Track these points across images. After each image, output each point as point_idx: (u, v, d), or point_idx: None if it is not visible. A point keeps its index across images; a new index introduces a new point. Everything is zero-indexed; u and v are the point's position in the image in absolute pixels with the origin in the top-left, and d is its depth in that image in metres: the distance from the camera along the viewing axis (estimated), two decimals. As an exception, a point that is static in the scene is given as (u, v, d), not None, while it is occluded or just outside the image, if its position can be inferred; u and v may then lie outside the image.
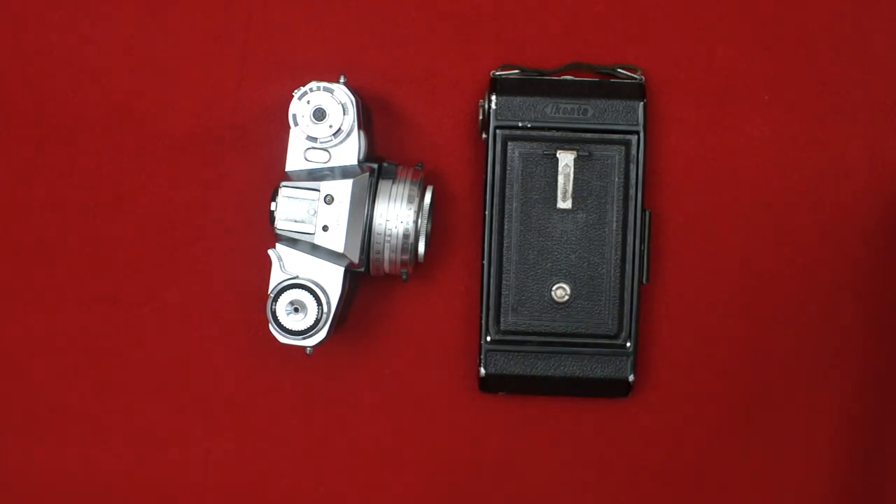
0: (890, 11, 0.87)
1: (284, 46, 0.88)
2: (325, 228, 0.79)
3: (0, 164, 0.88)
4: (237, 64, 0.88)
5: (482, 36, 0.88)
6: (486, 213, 0.84)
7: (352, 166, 0.81)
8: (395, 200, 0.82)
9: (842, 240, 0.87)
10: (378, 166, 0.82)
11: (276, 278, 0.80)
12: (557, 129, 0.84)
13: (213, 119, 0.88)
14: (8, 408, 0.89)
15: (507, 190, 0.84)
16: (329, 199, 0.79)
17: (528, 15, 0.88)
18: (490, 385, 0.86)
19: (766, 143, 0.87)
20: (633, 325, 0.85)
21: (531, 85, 0.85)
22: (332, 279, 0.80)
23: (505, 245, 0.84)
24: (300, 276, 0.80)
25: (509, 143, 0.84)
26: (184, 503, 0.90)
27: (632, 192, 0.84)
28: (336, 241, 0.80)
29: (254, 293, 0.86)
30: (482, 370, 0.85)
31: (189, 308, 0.88)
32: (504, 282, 0.85)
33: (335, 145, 0.81)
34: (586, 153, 0.84)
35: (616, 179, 0.84)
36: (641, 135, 0.84)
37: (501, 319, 0.85)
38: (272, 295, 0.79)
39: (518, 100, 0.84)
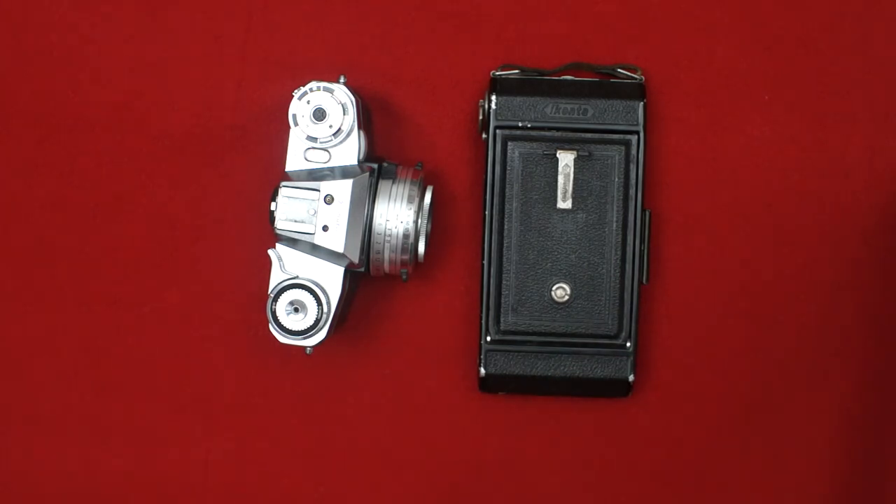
0: (890, 12, 0.87)
1: (284, 46, 0.88)
2: (325, 228, 0.79)
3: (0, 164, 0.88)
4: (237, 64, 0.88)
5: (482, 36, 0.88)
6: (486, 213, 0.84)
7: (352, 166, 0.81)
8: (395, 200, 0.82)
9: (842, 240, 0.87)
10: (378, 166, 0.82)
11: (276, 278, 0.80)
12: (557, 129, 0.84)
13: (213, 119, 0.88)
14: (8, 408, 0.89)
15: (507, 190, 0.84)
16: (329, 199, 0.79)
17: (528, 15, 0.88)
18: (490, 385, 0.86)
19: (766, 143, 0.87)
20: (633, 325, 0.85)
21: (531, 85, 0.85)
22: (332, 279, 0.80)
23: (505, 245, 0.84)
24: (300, 276, 0.80)
25: (509, 143, 0.84)
26: (184, 503, 0.90)
27: (632, 192, 0.84)
28: (336, 241, 0.80)
29: (254, 293, 0.86)
30: (482, 370, 0.85)
31: (189, 308, 0.88)
32: (504, 282, 0.85)
33: (335, 145, 0.81)
34: (586, 153, 0.84)
35: (616, 179, 0.84)
36: (641, 135, 0.84)
37: (501, 319, 0.85)
38: (272, 295, 0.79)
39: (518, 100, 0.84)
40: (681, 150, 0.88)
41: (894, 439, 0.88)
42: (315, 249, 0.80)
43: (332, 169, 0.81)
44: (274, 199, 0.80)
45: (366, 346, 0.89)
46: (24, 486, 0.90)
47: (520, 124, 0.84)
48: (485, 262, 0.85)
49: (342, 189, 0.79)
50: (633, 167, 0.84)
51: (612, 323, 0.85)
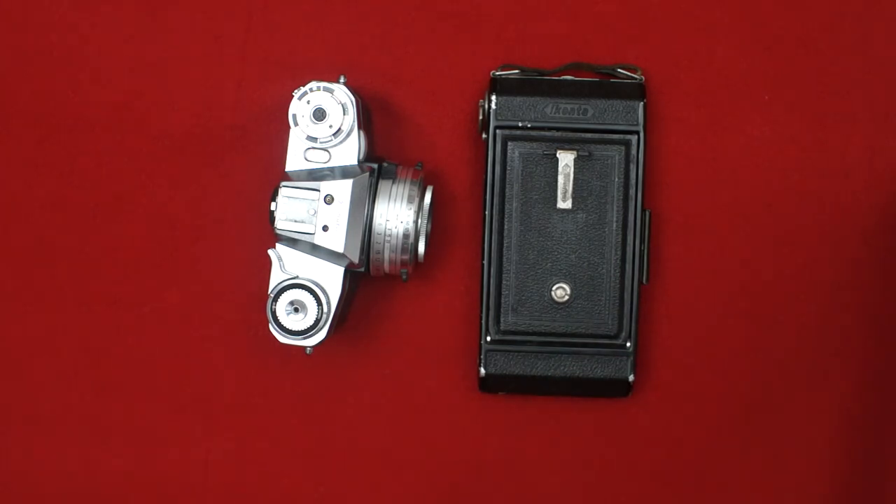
0: (890, 12, 0.87)
1: (284, 46, 0.88)
2: (325, 228, 0.79)
3: (0, 164, 0.88)
4: (237, 64, 0.88)
5: (482, 36, 0.88)
6: (486, 213, 0.84)
7: (352, 166, 0.81)
8: (395, 200, 0.82)
9: (842, 240, 0.87)
10: (378, 166, 0.82)
11: (276, 278, 0.80)
12: (557, 129, 0.84)
13: (213, 119, 0.88)
14: (8, 408, 0.89)
15: (507, 190, 0.84)
16: (329, 199, 0.79)
17: (528, 15, 0.88)
18: (490, 385, 0.86)
19: (766, 143, 0.87)
20: (633, 325, 0.85)
21: (531, 85, 0.85)
22: (332, 279, 0.80)
23: (505, 245, 0.84)
24: (300, 276, 0.80)
25: (509, 143, 0.84)
26: (184, 503, 0.90)
27: (632, 192, 0.84)
28: (336, 241, 0.80)
29: (254, 293, 0.86)
30: (482, 370, 0.85)
31: (189, 308, 0.88)
32: (504, 282, 0.85)
33: (335, 145, 0.81)
34: (586, 153, 0.84)
35: (616, 179, 0.84)
36: (641, 135, 0.84)
37: (501, 319, 0.85)
38: (272, 295, 0.79)
39: (518, 100, 0.84)
40: (681, 150, 0.88)
41: (894, 439, 0.88)
42: (315, 249, 0.80)
43: (332, 169, 0.81)
44: (274, 199, 0.80)
45: (366, 346, 0.89)
46: (24, 486, 0.90)
47: (520, 124, 0.84)
48: (485, 262, 0.85)
49: (342, 189, 0.79)
50: (633, 167, 0.84)
51: (612, 323, 0.85)
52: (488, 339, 0.85)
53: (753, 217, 0.88)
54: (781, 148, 0.87)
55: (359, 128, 0.81)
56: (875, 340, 0.88)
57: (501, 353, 0.85)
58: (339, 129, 0.80)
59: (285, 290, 0.79)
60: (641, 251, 0.85)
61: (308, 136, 0.80)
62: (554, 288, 0.85)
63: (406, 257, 0.82)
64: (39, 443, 0.89)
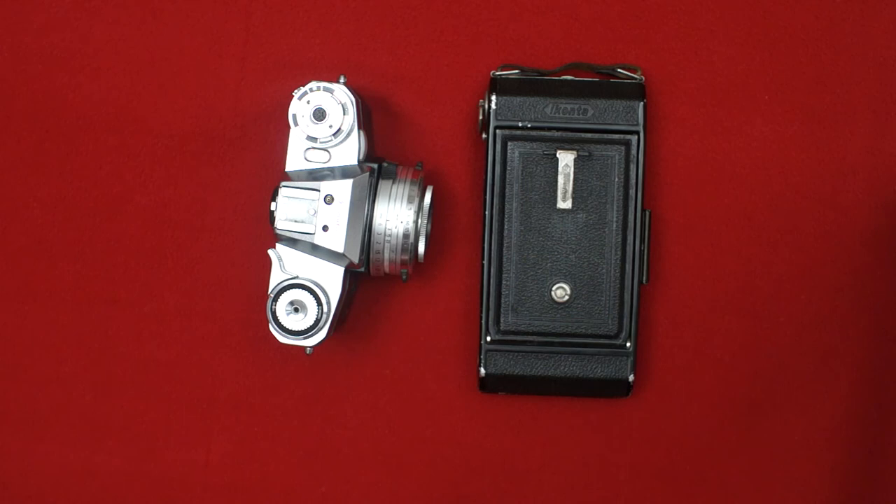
0: (890, 11, 0.87)
1: (284, 46, 0.88)
2: (325, 228, 0.79)
3: (0, 164, 0.88)
4: (237, 64, 0.88)
5: (482, 36, 0.88)
6: (486, 213, 0.84)
7: (352, 166, 0.81)
8: (395, 200, 0.82)
9: (842, 240, 0.87)
10: (378, 166, 0.82)
11: (276, 278, 0.80)
12: (557, 129, 0.84)
13: (213, 119, 0.88)
14: (8, 408, 0.89)
15: (507, 190, 0.84)
16: (329, 199, 0.79)
17: (528, 15, 0.88)
18: (490, 385, 0.86)
19: (766, 143, 0.87)
20: (633, 325, 0.85)
21: (531, 85, 0.85)
22: (332, 279, 0.80)
23: (505, 245, 0.84)
24: (300, 276, 0.80)
25: (509, 143, 0.84)
26: (184, 503, 0.90)
27: (632, 192, 0.84)
28: (336, 241, 0.80)
29: (254, 293, 0.86)
30: (482, 370, 0.85)
31: (189, 308, 0.88)
32: (504, 282, 0.85)
33: (335, 145, 0.81)
34: (586, 153, 0.84)
35: (616, 179, 0.84)
36: (641, 135, 0.84)
37: (501, 319, 0.85)
38: (272, 295, 0.79)
39: (518, 100, 0.84)
40: (681, 150, 0.88)
41: (894, 439, 0.88)
42: (315, 249, 0.80)
43: (332, 169, 0.81)
44: (274, 199, 0.80)
45: (366, 346, 0.89)
46: (24, 486, 0.90)
47: (520, 124, 0.84)
48: (485, 262, 0.85)
49: (342, 189, 0.79)
50: (633, 167, 0.84)
51: (612, 323, 0.85)
52: (488, 339, 0.85)
53: (753, 217, 0.88)
54: (781, 148, 0.87)
55: (359, 128, 0.81)
56: (875, 340, 0.88)
57: (501, 353, 0.85)
58: (339, 129, 0.80)
59: (285, 290, 0.79)
60: (641, 251, 0.85)
61: (308, 136, 0.80)
62: (554, 288, 0.85)
63: (406, 257, 0.82)
64: (39, 443, 0.89)
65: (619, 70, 0.86)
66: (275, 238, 0.80)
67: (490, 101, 0.84)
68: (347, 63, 0.87)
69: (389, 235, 0.82)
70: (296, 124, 0.80)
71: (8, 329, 0.89)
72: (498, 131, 0.84)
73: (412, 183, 0.82)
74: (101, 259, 0.88)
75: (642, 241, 0.85)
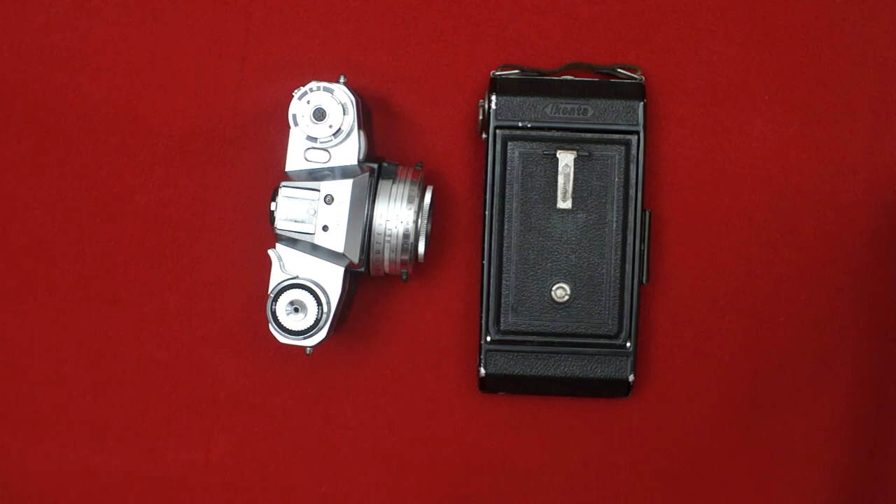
0: (890, 11, 0.87)
1: (284, 46, 0.88)
2: (325, 228, 0.79)
3: (0, 164, 0.88)
4: (237, 64, 0.88)
5: (482, 36, 0.88)
6: (486, 213, 0.84)
7: (352, 166, 0.81)
8: (395, 200, 0.82)
9: (842, 240, 0.87)
10: (378, 166, 0.82)
11: (276, 278, 0.80)
12: (557, 129, 0.84)
13: (213, 119, 0.88)
14: (8, 408, 0.89)
15: (507, 190, 0.84)
16: (329, 199, 0.79)
17: (528, 15, 0.88)
18: (490, 385, 0.86)
19: (766, 143, 0.87)
20: (633, 325, 0.85)
21: (531, 85, 0.85)
22: (332, 279, 0.80)
23: (505, 245, 0.84)
24: (300, 276, 0.80)
25: (509, 143, 0.84)
26: (184, 503, 0.90)
27: (632, 192, 0.84)
28: (336, 241, 0.80)
29: (254, 293, 0.86)
30: (482, 370, 0.85)
31: (189, 308, 0.88)
32: (504, 282, 0.85)
33: (335, 145, 0.81)
34: (586, 153, 0.84)
35: (616, 179, 0.84)
36: (641, 135, 0.84)
37: (501, 319, 0.85)
38: (272, 295, 0.79)
39: (518, 100, 0.84)
40: (681, 150, 0.88)
41: (894, 439, 0.88)
42: (315, 249, 0.80)
43: (332, 169, 0.81)
44: (274, 199, 0.80)
45: (366, 346, 0.89)
46: (24, 486, 0.90)
47: (520, 124, 0.84)
48: (485, 262, 0.85)
49: (342, 189, 0.79)
50: (633, 167, 0.84)
51: (612, 323, 0.85)
52: (488, 339, 0.85)
53: (753, 217, 0.88)
54: (781, 148, 0.87)
55: (359, 128, 0.81)
56: (875, 340, 0.88)
57: (501, 353, 0.85)
58: (339, 129, 0.80)
59: (285, 290, 0.79)
60: (641, 251, 0.85)
61: (308, 136, 0.80)
62: (554, 288, 0.85)
63: (406, 257, 0.82)
64: (39, 443, 0.89)
65: (619, 70, 0.86)
66: (275, 238, 0.80)
67: (490, 101, 0.84)
68: (347, 63, 0.87)
69: (389, 235, 0.82)
70: (296, 124, 0.80)
71: (8, 329, 0.89)
72: (498, 131, 0.84)
73: (412, 183, 0.82)
74: (101, 259, 0.88)
75: (642, 241, 0.85)
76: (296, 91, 0.80)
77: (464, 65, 0.87)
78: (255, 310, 0.86)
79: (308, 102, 0.80)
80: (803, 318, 0.88)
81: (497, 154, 0.84)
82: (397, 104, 0.88)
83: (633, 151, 0.84)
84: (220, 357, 0.89)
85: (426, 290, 0.88)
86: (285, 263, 0.80)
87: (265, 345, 0.87)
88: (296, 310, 0.79)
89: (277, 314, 0.79)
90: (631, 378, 0.85)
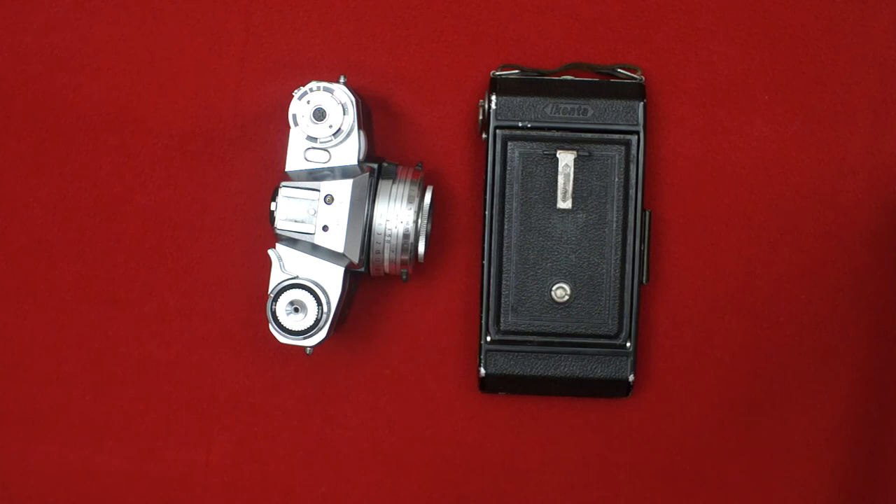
0: (890, 11, 0.87)
1: (284, 46, 0.88)
2: (325, 228, 0.79)
3: (0, 164, 0.88)
4: (237, 64, 0.88)
5: (482, 36, 0.88)
6: (486, 213, 0.84)
7: (352, 166, 0.81)
8: (395, 200, 0.82)
9: (842, 240, 0.87)
10: (378, 166, 0.82)
11: (276, 278, 0.80)
12: (557, 129, 0.84)
13: (213, 119, 0.88)
14: (8, 408, 0.89)
15: (507, 190, 0.84)
16: (329, 199, 0.79)
17: (528, 15, 0.88)
18: (490, 385, 0.86)
19: (766, 143, 0.87)
20: (633, 325, 0.85)
21: (531, 85, 0.85)
22: (332, 279, 0.80)
23: (505, 245, 0.84)
24: (300, 276, 0.80)
25: (509, 143, 0.84)
26: (184, 503, 0.90)
27: (632, 192, 0.84)
28: (336, 241, 0.80)
29: (254, 293, 0.86)
30: (482, 370, 0.85)
31: (189, 308, 0.88)
32: (504, 282, 0.85)
33: (335, 145, 0.81)
34: (586, 153, 0.84)
35: (616, 179, 0.84)
36: (641, 135, 0.84)
37: (501, 319, 0.85)
38: (272, 295, 0.79)
39: (518, 100, 0.84)
40: (681, 150, 0.88)
41: (894, 439, 0.88)
42: (315, 249, 0.80)
43: (332, 169, 0.81)
44: (274, 199, 0.80)
45: (366, 346, 0.89)
46: (24, 486, 0.90)
47: (520, 124, 0.84)
48: (485, 262, 0.85)
49: (342, 189, 0.79)
50: (633, 167, 0.84)
51: (612, 323, 0.85)
52: (488, 339, 0.85)
53: (753, 217, 0.88)
54: (781, 148, 0.87)
55: (359, 128, 0.81)
56: (875, 340, 0.88)
57: (501, 353, 0.85)
58: (339, 129, 0.80)
59: (285, 290, 0.79)
60: (641, 251, 0.85)
61: (308, 136, 0.80)
62: (554, 288, 0.85)
63: (406, 257, 0.82)
64: (39, 443, 0.89)
65: (619, 70, 0.86)
66: (275, 238, 0.80)
67: (490, 101, 0.84)
68: (347, 63, 0.87)
69: (389, 235, 0.82)
70: (296, 124, 0.80)
71: (8, 329, 0.89)
72: (498, 131, 0.84)
73: (412, 183, 0.82)
74: (101, 259, 0.88)
75: (642, 241, 0.85)
76: (296, 91, 0.80)
77: (464, 65, 0.87)
78: (255, 310, 0.86)
79: (308, 102, 0.80)
80: (803, 318, 0.88)
81: (497, 154, 0.84)
82: (397, 104, 0.88)
83: (633, 151, 0.84)
84: (220, 357, 0.89)
85: (426, 290, 0.88)
86: (285, 263, 0.80)
87: (265, 345, 0.87)
88: (296, 310, 0.79)
89: (277, 314, 0.79)
90: (631, 378, 0.85)
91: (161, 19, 0.88)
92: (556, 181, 0.84)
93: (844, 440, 0.88)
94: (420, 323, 0.88)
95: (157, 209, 0.88)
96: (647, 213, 0.85)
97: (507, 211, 0.84)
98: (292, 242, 0.80)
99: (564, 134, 0.84)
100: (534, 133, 0.84)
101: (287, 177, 0.81)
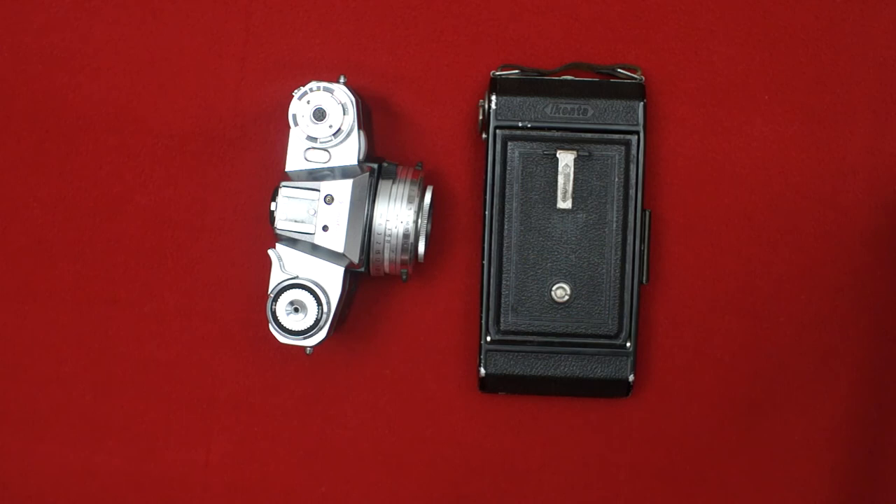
0: (890, 11, 0.87)
1: (284, 46, 0.88)
2: (325, 228, 0.79)
3: (0, 164, 0.88)
4: (237, 64, 0.88)
5: (482, 36, 0.88)
6: (486, 213, 0.84)
7: (352, 166, 0.81)
8: (395, 200, 0.82)
9: (842, 240, 0.87)
10: (378, 166, 0.82)
11: (276, 278, 0.80)
12: (557, 129, 0.84)
13: (213, 119, 0.88)
14: (8, 408, 0.89)
15: (507, 190, 0.84)
16: (329, 199, 0.79)
17: (528, 15, 0.88)
18: (490, 385, 0.86)
19: (766, 143, 0.87)
20: (633, 325, 0.85)
21: (531, 85, 0.85)
22: (332, 279, 0.80)
23: (505, 245, 0.84)
24: (300, 276, 0.80)
25: (509, 143, 0.84)
26: (184, 503, 0.90)
27: (632, 192, 0.84)
28: (336, 241, 0.80)
29: (254, 293, 0.86)
30: (482, 370, 0.85)
31: (189, 308, 0.88)
32: (504, 282, 0.85)
33: (335, 145, 0.81)
34: (586, 153, 0.84)
35: (616, 179, 0.84)
36: (641, 135, 0.84)
37: (501, 319, 0.85)
38: (272, 295, 0.79)
39: (518, 100, 0.84)
40: (681, 150, 0.88)
41: (894, 439, 0.88)
42: (315, 249, 0.80)
43: (332, 169, 0.81)
44: (274, 199, 0.80)
45: (366, 346, 0.89)
46: (24, 486, 0.90)
47: (520, 124, 0.84)
48: (485, 262, 0.85)
49: (342, 189, 0.79)
50: (633, 167, 0.84)
51: (612, 323, 0.85)
52: (488, 339, 0.85)
53: (753, 217, 0.88)
54: (781, 148, 0.87)
55: (359, 128, 0.81)
56: (875, 340, 0.88)
57: (501, 353, 0.85)
58: (339, 129, 0.80)
59: (285, 290, 0.79)
60: (641, 251, 0.85)
61: (308, 136, 0.80)
62: (554, 288, 0.85)
63: (406, 257, 0.82)
64: (39, 443, 0.89)
65: (619, 70, 0.86)
66: (275, 238, 0.80)
67: (490, 101, 0.84)
68: (347, 63, 0.87)
69: (389, 235, 0.82)
70: (296, 124, 0.80)
71: (8, 329, 0.89)
72: (498, 131, 0.84)
73: (412, 183, 0.82)
74: (101, 259, 0.88)
75: (642, 241, 0.85)
76: (296, 91, 0.80)
77: (464, 65, 0.87)
78: (255, 310, 0.86)
79: (308, 102, 0.80)
80: (803, 318, 0.88)
81: (497, 154, 0.84)
82: (397, 104, 0.88)
83: (633, 151, 0.84)
84: (220, 357, 0.89)
85: (426, 290, 0.88)
86: (285, 263, 0.80)
87: (265, 345, 0.87)
88: (296, 310, 0.79)
89: (277, 314, 0.79)
90: (631, 378, 0.85)
91: (161, 19, 0.88)
92: (556, 181, 0.84)
93: (844, 440, 0.88)
94: (420, 323, 0.88)
95: (157, 209, 0.88)
96: (647, 213, 0.85)
97: (507, 211, 0.84)
98: (292, 242, 0.80)
99: (564, 134, 0.84)
100: (534, 133, 0.84)
101: (287, 177, 0.81)
